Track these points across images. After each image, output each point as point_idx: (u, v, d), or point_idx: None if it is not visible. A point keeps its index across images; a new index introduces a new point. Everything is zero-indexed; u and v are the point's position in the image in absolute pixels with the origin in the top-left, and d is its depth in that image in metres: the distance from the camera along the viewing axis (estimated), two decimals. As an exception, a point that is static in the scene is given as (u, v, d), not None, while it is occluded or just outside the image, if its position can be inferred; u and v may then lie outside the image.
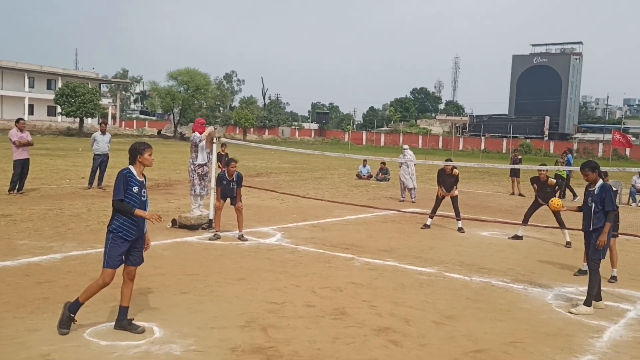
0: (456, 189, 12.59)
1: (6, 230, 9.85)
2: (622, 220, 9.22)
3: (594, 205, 7.00)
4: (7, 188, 14.36)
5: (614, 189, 9.06)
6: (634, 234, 9.66)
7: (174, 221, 10.99)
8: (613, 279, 8.49)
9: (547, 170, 11.79)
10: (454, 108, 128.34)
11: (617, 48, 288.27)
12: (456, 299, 7.16)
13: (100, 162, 16.25)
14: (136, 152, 5.47)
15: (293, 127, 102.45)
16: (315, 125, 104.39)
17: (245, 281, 7.44)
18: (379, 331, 5.79)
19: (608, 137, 66.81)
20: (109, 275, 5.29)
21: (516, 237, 11.74)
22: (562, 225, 11.09)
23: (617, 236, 8.71)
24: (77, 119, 59.65)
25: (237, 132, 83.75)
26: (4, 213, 11.43)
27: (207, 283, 7.23)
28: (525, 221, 11.51)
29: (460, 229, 12.38)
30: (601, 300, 7.09)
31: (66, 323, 5.25)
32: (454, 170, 12.52)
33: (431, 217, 12.66)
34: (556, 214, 11.25)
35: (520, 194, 21.01)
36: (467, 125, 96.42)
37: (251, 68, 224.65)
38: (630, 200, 20.06)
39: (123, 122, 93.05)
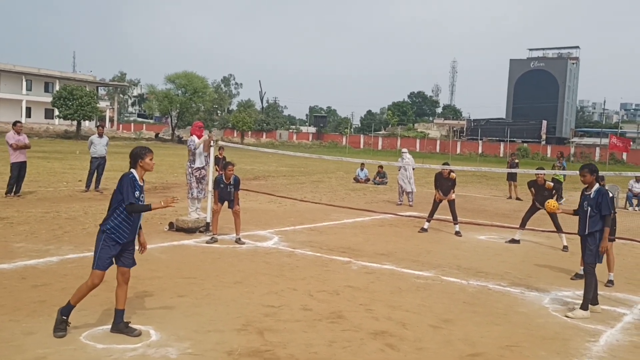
0: (453, 192, 12.60)
1: (3, 233, 9.83)
2: (618, 225, 9.23)
3: (589, 209, 7.01)
4: (4, 191, 14.33)
5: (611, 194, 9.10)
6: (631, 238, 9.67)
7: (171, 224, 10.98)
8: (610, 283, 8.50)
9: (544, 174, 11.81)
10: (452, 112, 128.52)
11: (614, 53, 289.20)
12: (453, 302, 7.16)
13: (98, 165, 16.22)
14: (137, 157, 5.48)
15: (291, 130, 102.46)
16: (313, 129, 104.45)
17: (242, 284, 7.44)
18: (376, 335, 5.78)
19: (605, 141, 66.97)
20: (98, 276, 5.28)
21: (513, 241, 11.75)
22: (559, 229, 11.10)
23: (614, 240, 8.73)
24: (75, 122, 59.59)
25: (235, 135, 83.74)
26: (0, 216, 11.41)
27: (204, 286, 7.22)
28: (522, 225, 11.52)
29: (457, 233, 12.39)
30: (598, 304, 7.10)
31: (60, 326, 5.24)
32: (451, 174, 12.54)
33: (428, 221, 12.67)
34: (553, 217, 11.27)
35: (517, 198, 21.04)
36: (465, 129, 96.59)
37: (249, 71, 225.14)
38: (627, 205, 20.09)
39: (121, 125, 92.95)
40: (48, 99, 64.10)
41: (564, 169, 21.11)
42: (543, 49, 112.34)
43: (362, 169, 25.35)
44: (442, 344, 5.63)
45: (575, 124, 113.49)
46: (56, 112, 60.23)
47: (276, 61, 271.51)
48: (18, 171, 14.28)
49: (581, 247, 7.23)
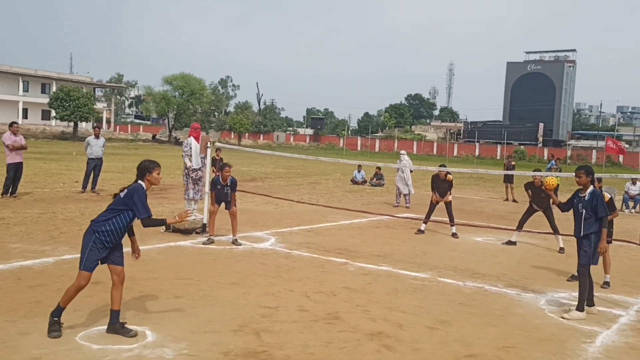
0: (450, 194, 12.61)
1: (-1, 233, 9.81)
2: (615, 227, 9.26)
3: (584, 211, 7.01)
4: (0, 192, 14.29)
5: (609, 195, 9.12)
6: (627, 240, 9.69)
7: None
8: (606, 284, 8.51)
9: (541, 175, 11.82)
10: (449, 114, 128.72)
11: (610, 56, 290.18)
12: (449, 304, 7.16)
13: (94, 166, 16.20)
14: (145, 170, 5.52)
15: (288, 132, 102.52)
16: (310, 131, 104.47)
17: (239, 285, 7.43)
18: (372, 336, 5.78)
19: (601, 144, 67.14)
20: (84, 278, 5.26)
21: (510, 242, 11.76)
22: (555, 231, 11.12)
23: (611, 242, 8.74)
24: (72, 123, 59.46)
25: (232, 137, 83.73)
26: (-4, 216, 11.38)
27: (201, 287, 7.21)
28: (519, 227, 11.53)
29: (454, 235, 12.40)
30: (594, 305, 7.11)
31: (53, 327, 5.23)
32: (448, 175, 12.55)
33: (425, 223, 12.67)
34: (550, 219, 11.29)
35: (513, 200, 21.06)
36: (462, 132, 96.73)
37: (246, 73, 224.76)
38: (624, 207, 20.13)
39: (118, 127, 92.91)
40: (45, 100, 63.97)
41: (560, 171, 21.16)
42: (540, 52, 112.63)
43: (359, 171, 25.35)
44: (438, 345, 5.63)
45: (572, 126, 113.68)
46: (53, 114, 60.08)
47: (274, 63, 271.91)
48: (14, 172, 14.25)
49: (577, 249, 7.24)
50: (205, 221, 10.80)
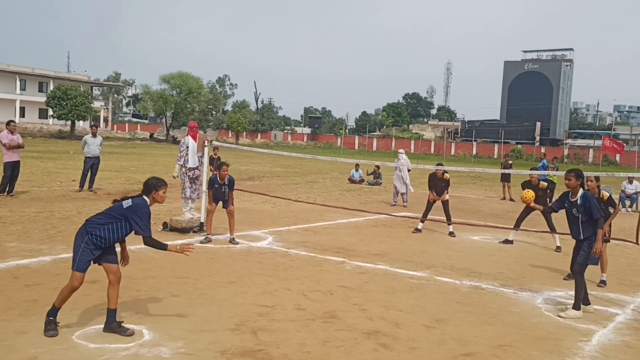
0: (447, 193, 12.63)
1: (-5, 232, 9.79)
2: (612, 225, 9.27)
3: (580, 215, 7.02)
4: (-3, 190, 14.27)
5: (607, 193, 9.14)
6: (624, 239, 9.70)
7: (165, 224, 10.96)
8: (602, 283, 8.53)
9: (537, 174, 11.85)
10: (446, 113, 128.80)
11: (607, 55, 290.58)
12: (446, 302, 7.18)
13: (92, 164, 16.18)
14: (152, 188, 5.52)
15: (285, 131, 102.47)
16: (307, 130, 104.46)
17: (236, 284, 7.43)
18: (369, 334, 5.79)
19: (598, 142, 67.25)
20: (77, 279, 5.24)
21: (507, 241, 11.78)
22: (552, 230, 11.14)
23: (609, 241, 8.76)
24: (69, 122, 59.40)
25: (230, 136, 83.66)
26: (-7, 215, 11.36)
27: (198, 286, 7.21)
28: (517, 225, 11.54)
29: (451, 233, 12.42)
30: (590, 304, 7.13)
31: (49, 326, 5.24)
32: (445, 174, 12.56)
33: (422, 222, 12.69)
34: (547, 218, 11.31)
35: (511, 199, 21.09)
36: (459, 131, 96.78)
37: (244, 72, 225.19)
38: (620, 206, 20.16)
39: (115, 125, 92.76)
40: (42, 98, 63.88)
41: (556, 170, 21.19)
42: (537, 51, 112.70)
43: (356, 170, 25.36)
44: (435, 344, 5.64)
45: (569, 125, 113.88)
46: (50, 112, 60.03)
47: (271, 62, 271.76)
48: (11, 171, 14.23)
49: (575, 249, 7.27)
50: (202, 220, 10.80)
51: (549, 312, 7.01)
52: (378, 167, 24.81)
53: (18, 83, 69.93)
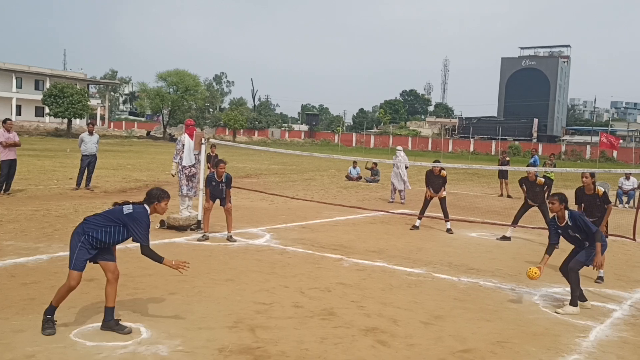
0: (444, 190, 12.63)
1: (-8, 231, 9.77)
2: (609, 222, 9.29)
3: (577, 235, 7.03)
4: (-7, 189, 14.23)
5: (603, 189, 9.16)
6: (621, 235, 9.72)
7: (162, 222, 10.94)
8: (600, 279, 8.54)
9: (536, 170, 11.87)
10: (443, 110, 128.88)
11: (604, 51, 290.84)
12: (444, 299, 7.18)
13: (88, 162, 16.15)
14: (154, 198, 5.52)
15: (283, 128, 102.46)
16: (305, 127, 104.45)
17: (234, 282, 7.43)
18: (367, 331, 5.79)
19: (595, 139, 67.34)
20: (74, 278, 5.23)
21: (504, 238, 11.79)
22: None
23: (607, 237, 8.77)
24: (65, 120, 59.26)
25: (227, 133, 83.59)
26: (-10, 214, 11.33)
27: (195, 284, 7.21)
28: (515, 222, 11.56)
29: (448, 230, 12.42)
30: (587, 300, 7.14)
31: (47, 325, 5.22)
32: (442, 171, 12.56)
33: (420, 218, 12.69)
34: (545, 214, 11.32)
35: (508, 196, 21.12)
36: (456, 127, 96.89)
37: (241, 69, 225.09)
38: (617, 202, 20.21)
39: (112, 123, 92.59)
40: (38, 96, 63.69)
41: (554, 166, 21.22)
42: (534, 47, 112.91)
43: (354, 167, 25.36)
44: (433, 340, 5.65)
45: (566, 122, 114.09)
46: (47, 110, 59.83)
47: (268, 59, 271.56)
48: (8, 169, 14.20)
49: (572, 251, 7.28)
50: (200, 218, 10.78)
51: (547, 308, 7.03)
52: (375, 164, 24.81)
53: (14, 81, 69.67)
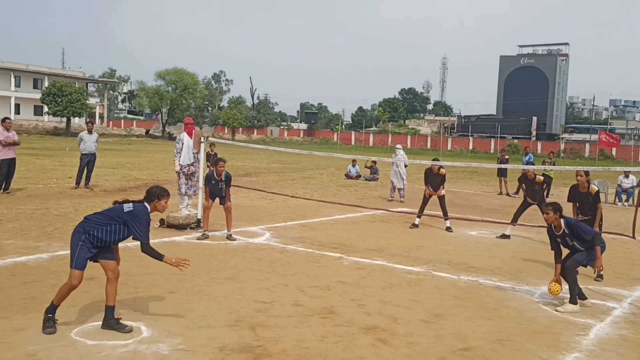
0: (443, 188, 12.62)
1: (-8, 230, 9.76)
2: (609, 220, 9.31)
3: (575, 242, 7.02)
4: (-7, 188, 14.22)
5: (596, 187, 9.18)
6: (620, 233, 9.73)
7: (162, 221, 10.94)
8: (599, 277, 8.54)
9: (534, 168, 11.88)
10: (442, 108, 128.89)
11: (603, 49, 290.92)
12: (444, 297, 7.19)
13: (88, 161, 16.15)
14: (154, 196, 5.53)
15: (282, 127, 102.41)
16: (304, 125, 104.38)
17: (234, 280, 7.43)
18: (367, 330, 5.80)
19: (595, 137, 67.34)
20: (76, 277, 5.23)
21: (504, 236, 11.80)
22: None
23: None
24: (64, 119, 59.20)
25: (226, 132, 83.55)
26: (-11, 213, 11.32)
27: (195, 282, 7.21)
28: (514, 220, 11.57)
29: (448, 229, 12.42)
30: (587, 298, 7.15)
31: (48, 324, 5.23)
32: (441, 169, 12.56)
33: (419, 217, 12.69)
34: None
35: (507, 194, 21.13)
36: (455, 126, 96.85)
37: (240, 68, 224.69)
38: (617, 200, 20.23)
39: (111, 122, 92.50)
40: (37, 95, 63.64)
41: (553, 164, 21.24)
42: (533, 45, 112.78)
43: (353, 165, 25.36)
44: (433, 339, 5.65)
45: (565, 120, 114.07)
46: (45, 109, 59.77)
47: (267, 58, 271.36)
48: (7, 168, 14.19)
49: (569, 252, 7.29)
50: (199, 216, 10.78)
51: (547, 306, 7.03)
52: (375, 162, 24.81)
53: (12, 80, 69.58)
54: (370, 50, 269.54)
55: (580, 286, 7.19)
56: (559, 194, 20.58)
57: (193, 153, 11.27)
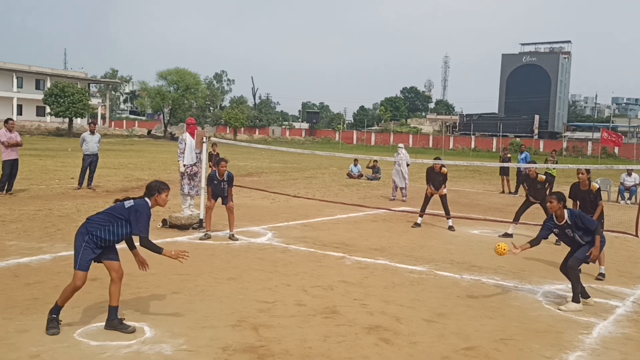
0: (445, 187, 12.62)
1: (-5, 231, 9.78)
2: (611, 218, 9.30)
3: (576, 235, 6.98)
4: (-5, 189, 14.25)
5: (597, 185, 9.17)
6: (623, 231, 9.72)
7: (164, 221, 10.96)
8: (601, 276, 8.53)
9: (536, 167, 11.86)
10: (444, 107, 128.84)
11: (605, 47, 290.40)
12: (447, 296, 7.19)
13: (90, 162, 16.17)
14: (154, 190, 5.54)
15: (283, 126, 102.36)
16: (305, 125, 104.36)
17: (236, 280, 7.44)
18: (370, 329, 5.80)
19: (597, 135, 67.24)
20: (80, 278, 5.24)
21: (506, 235, 11.79)
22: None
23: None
24: (67, 119, 59.26)
25: (228, 131, 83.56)
26: (-8, 214, 11.34)
27: (198, 283, 7.22)
28: (516, 219, 11.56)
29: (450, 228, 12.42)
30: (589, 297, 7.14)
31: (51, 324, 5.24)
32: (443, 168, 12.55)
33: (421, 216, 12.69)
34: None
35: (510, 192, 21.11)
36: (457, 124, 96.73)
37: (241, 68, 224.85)
38: (619, 198, 20.20)
39: (113, 122, 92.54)
40: (39, 96, 63.71)
41: (556, 163, 21.22)
42: (535, 43, 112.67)
43: (355, 165, 25.36)
44: (436, 338, 5.65)
45: (568, 118, 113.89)
46: (48, 110, 59.82)
47: (268, 57, 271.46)
48: (10, 169, 14.21)
49: (569, 252, 7.28)
50: (201, 217, 10.79)
51: (549, 305, 7.03)
52: (376, 161, 24.80)
53: (15, 81, 69.69)
54: (371, 49, 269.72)
55: (583, 285, 7.18)
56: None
57: (195, 153, 11.28)
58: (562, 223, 7.06)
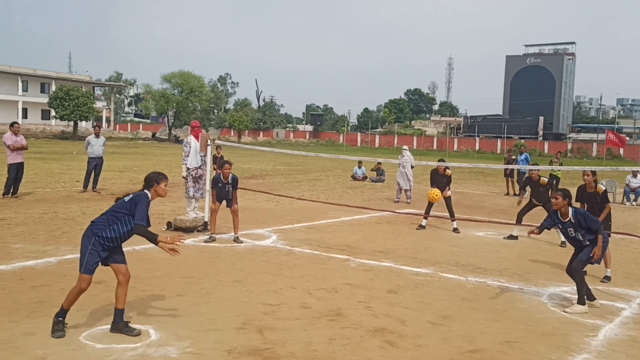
0: (449, 189, 12.59)
1: (0, 234, 9.82)
2: (617, 220, 9.27)
3: (578, 234, 6.96)
4: (1, 192, 14.29)
5: (603, 187, 9.14)
6: (628, 233, 9.70)
7: (169, 224, 10.97)
8: (606, 278, 8.50)
9: (538, 170, 11.84)
10: (448, 109, 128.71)
11: (609, 48, 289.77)
12: (452, 299, 7.17)
13: (95, 165, 16.20)
14: (153, 181, 5.56)
15: (288, 129, 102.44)
16: (309, 127, 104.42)
17: (241, 283, 7.44)
18: (375, 332, 5.79)
19: (602, 136, 67.07)
20: (85, 281, 5.26)
21: (511, 237, 11.77)
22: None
23: (610, 236, 8.73)
24: (71, 123, 59.46)
25: (232, 134, 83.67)
26: (-2, 217, 11.38)
27: (203, 285, 7.22)
28: (518, 221, 11.53)
29: (455, 230, 12.40)
30: (595, 299, 7.11)
31: (57, 327, 5.25)
32: (447, 170, 12.53)
33: (425, 218, 12.67)
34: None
35: (515, 194, 21.06)
36: (462, 126, 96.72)
37: (245, 70, 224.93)
38: (625, 200, 20.13)
39: (117, 125, 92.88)
40: (44, 99, 63.92)
41: (561, 164, 21.17)
42: (539, 44, 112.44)
43: (359, 167, 25.35)
44: (441, 341, 5.64)
45: (572, 119, 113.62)
46: (53, 113, 60.08)
47: (272, 60, 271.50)
48: (15, 172, 14.25)
49: (574, 253, 7.26)
50: (206, 219, 10.81)
51: (555, 307, 7.01)
52: (380, 163, 24.79)
53: (20, 84, 69.95)
54: (375, 51, 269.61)
55: (589, 287, 7.16)
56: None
57: (200, 156, 11.30)
58: (566, 220, 7.05)
